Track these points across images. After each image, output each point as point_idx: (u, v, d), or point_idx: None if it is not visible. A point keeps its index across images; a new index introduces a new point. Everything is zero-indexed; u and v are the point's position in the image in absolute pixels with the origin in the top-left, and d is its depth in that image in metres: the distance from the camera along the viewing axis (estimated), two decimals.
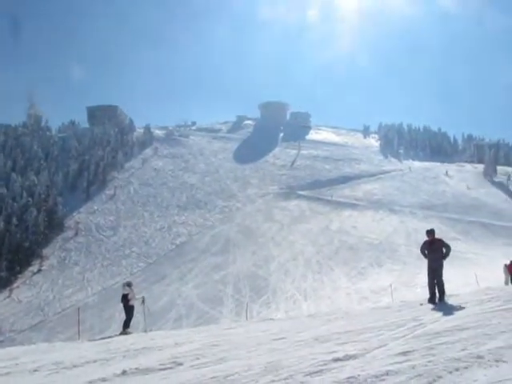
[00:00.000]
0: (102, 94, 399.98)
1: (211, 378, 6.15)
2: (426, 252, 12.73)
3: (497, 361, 6.20)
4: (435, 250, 12.49)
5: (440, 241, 12.86)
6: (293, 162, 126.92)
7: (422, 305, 11.76)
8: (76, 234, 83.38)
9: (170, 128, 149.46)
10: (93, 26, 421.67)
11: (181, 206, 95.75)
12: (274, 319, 17.57)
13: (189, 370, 6.81)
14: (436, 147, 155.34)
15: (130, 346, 9.27)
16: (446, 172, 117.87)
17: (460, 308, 10.23)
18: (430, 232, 13.00)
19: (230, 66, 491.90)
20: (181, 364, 7.14)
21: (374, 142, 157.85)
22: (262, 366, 6.47)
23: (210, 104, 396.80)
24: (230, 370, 6.44)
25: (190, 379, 6.15)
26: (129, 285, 16.40)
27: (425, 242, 12.97)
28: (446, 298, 12.14)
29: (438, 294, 12.25)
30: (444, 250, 12.49)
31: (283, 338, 8.36)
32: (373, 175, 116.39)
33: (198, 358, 7.39)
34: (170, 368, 6.96)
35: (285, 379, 5.87)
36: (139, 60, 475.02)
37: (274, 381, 5.83)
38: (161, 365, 7.11)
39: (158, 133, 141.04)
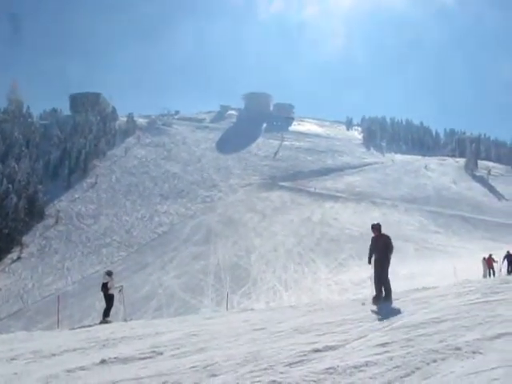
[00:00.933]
0: (85, 82, 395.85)
1: (191, 367, 6.14)
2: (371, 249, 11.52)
3: (474, 352, 6.27)
4: (379, 249, 11.27)
5: (384, 238, 11.47)
6: (275, 153, 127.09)
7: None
8: (56, 222, 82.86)
9: (153, 117, 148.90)
10: (77, 13, 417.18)
11: (163, 195, 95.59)
12: (255, 310, 17.61)
13: (168, 359, 6.80)
14: (418, 141, 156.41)
15: (109, 335, 9.24)
16: (426, 166, 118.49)
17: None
18: (375, 227, 11.62)
19: (215, 55, 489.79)
20: (160, 353, 7.13)
21: (356, 134, 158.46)
22: (242, 356, 6.48)
23: (193, 93, 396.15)
24: (210, 359, 6.44)
25: (169, 368, 6.14)
26: (109, 274, 16.32)
27: (371, 239, 11.63)
28: (391, 299, 10.98)
29: (383, 293, 10.98)
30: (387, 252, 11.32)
31: (263, 329, 8.37)
32: (355, 167, 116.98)
33: (178, 348, 7.38)
34: (150, 357, 6.95)
35: (264, 369, 5.88)
36: (123, 49, 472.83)
37: (253, 371, 5.84)
38: (140, 354, 7.08)
39: (141, 121, 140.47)
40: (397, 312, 9.16)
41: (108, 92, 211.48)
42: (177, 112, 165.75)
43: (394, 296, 11.12)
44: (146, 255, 68.72)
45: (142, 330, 9.38)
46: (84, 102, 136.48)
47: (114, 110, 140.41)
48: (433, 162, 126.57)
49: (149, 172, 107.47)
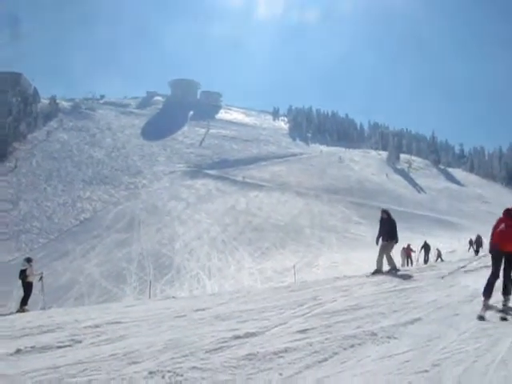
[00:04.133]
0: (5, 62, 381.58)
1: (110, 355, 6.07)
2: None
3: (389, 337, 6.51)
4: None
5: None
6: (201, 141, 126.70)
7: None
8: None
9: (77, 100, 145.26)
10: None
11: (86, 181, 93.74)
12: (177, 297, 17.56)
13: (88, 347, 6.69)
14: (343, 133, 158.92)
15: (26, 323, 8.98)
16: (340, 157, 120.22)
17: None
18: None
19: (143, 41, 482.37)
20: (80, 341, 6.99)
21: (283, 124, 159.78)
22: (163, 344, 6.46)
23: (121, 79, 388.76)
24: (130, 347, 6.39)
25: (88, 357, 6.04)
26: (28, 260, 15.87)
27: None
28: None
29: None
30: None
31: (184, 316, 8.35)
32: (280, 157, 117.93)
33: (98, 336, 7.27)
34: (69, 346, 6.80)
35: (185, 356, 5.89)
36: (49, 29, 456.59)
37: (173, 358, 5.84)
38: (59, 342, 6.93)
39: (64, 105, 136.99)
40: (317, 299, 9.34)
41: (30, 73, 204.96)
42: (102, 96, 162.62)
43: (315, 285, 11.35)
44: (67, 242, 67.22)
45: (60, 318, 9.18)
46: (3, 82, 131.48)
47: (35, 92, 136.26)
48: (357, 154, 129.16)
49: (72, 157, 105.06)
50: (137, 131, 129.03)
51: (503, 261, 7.78)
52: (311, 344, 6.28)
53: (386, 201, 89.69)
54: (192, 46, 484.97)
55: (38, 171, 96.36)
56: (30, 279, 15.24)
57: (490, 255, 8.21)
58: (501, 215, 8.07)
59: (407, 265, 29.52)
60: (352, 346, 6.24)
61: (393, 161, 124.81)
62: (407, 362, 5.46)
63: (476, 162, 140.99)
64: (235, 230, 67.88)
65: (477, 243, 36.34)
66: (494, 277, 7.86)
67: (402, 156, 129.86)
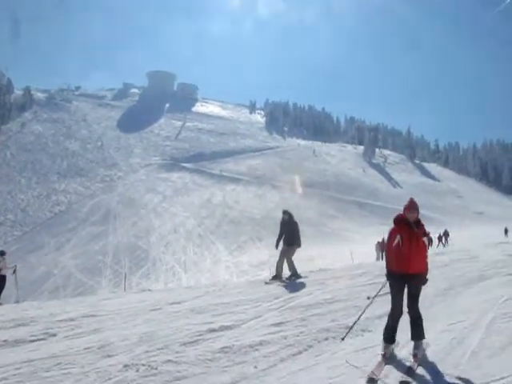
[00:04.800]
0: None
1: (85, 348, 6.06)
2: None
3: (363, 330, 6.59)
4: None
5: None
6: (178, 134, 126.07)
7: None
8: None
9: (52, 91, 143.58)
10: None
11: (61, 173, 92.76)
12: (152, 290, 17.50)
13: (62, 340, 6.65)
14: (319, 127, 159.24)
15: None
16: (313, 151, 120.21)
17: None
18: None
19: (120, 31, 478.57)
20: (54, 335, 6.95)
21: (259, 118, 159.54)
22: (138, 337, 6.46)
23: (97, 70, 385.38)
24: (105, 340, 6.38)
25: (62, 350, 6.02)
26: (1, 253, 15.68)
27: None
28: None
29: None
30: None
31: (160, 309, 8.34)
32: (257, 151, 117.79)
33: (72, 329, 7.23)
34: (43, 339, 6.76)
35: (160, 349, 5.90)
36: (22, 18, 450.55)
37: (148, 351, 5.84)
38: (32, 336, 6.87)
39: (39, 96, 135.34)
40: (293, 292, 9.38)
41: (3, 63, 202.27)
42: (77, 88, 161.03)
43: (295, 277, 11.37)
44: (42, 235, 66.58)
45: (34, 312, 9.09)
46: None
47: (9, 82, 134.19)
48: (333, 148, 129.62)
49: (46, 149, 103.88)
50: (113, 123, 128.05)
51: (405, 289, 5.55)
52: (286, 337, 6.33)
53: (362, 195, 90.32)
54: (170, 39, 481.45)
55: (12, 163, 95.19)
56: (3, 272, 15.05)
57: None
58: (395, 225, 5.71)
59: (382, 259, 29.71)
60: (326, 339, 6.30)
61: (369, 155, 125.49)
62: (380, 354, 5.51)
63: (451, 158, 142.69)
64: (211, 223, 67.77)
65: (440, 238, 37.35)
66: (395, 314, 5.60)
67: (378, 150, 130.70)
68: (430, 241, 6.04)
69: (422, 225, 5.62)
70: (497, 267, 11.41)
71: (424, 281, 5.65)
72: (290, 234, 11.41)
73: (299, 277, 11.35)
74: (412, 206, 5.61)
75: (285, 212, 11.80)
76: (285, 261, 11.39)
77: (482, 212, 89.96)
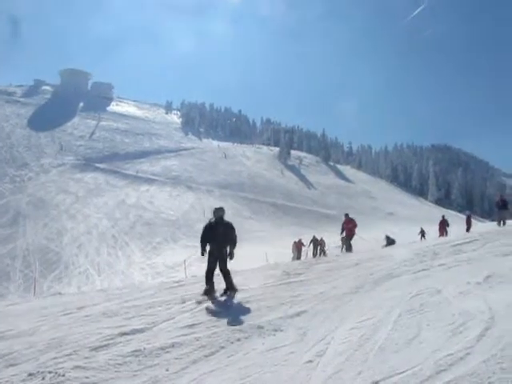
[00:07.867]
0: None
1: None
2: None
3: (275, 330, 6.65)
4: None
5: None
6: (92, 134, 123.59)
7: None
8: None
9: None
10: None
11: None
12: (63, 294, 17.08)
13: None
14: (235, 128, 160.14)
15: None
16: (224, 155, 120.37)
17: None
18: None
19: (31, 26, 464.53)
20: None
21: (175, 118, 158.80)
22: (45, 343, 6.27)
23: (7, 65, 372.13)
24: (9, 348, 6.15)
25: None
26: None
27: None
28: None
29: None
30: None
31: (70, 314, 8.14)
32: (172, 151, 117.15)
33: None
34: None
35: (68, 355, 5.75)
36: None
37: (56, 357, 5.68)
38: None
39: None
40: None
41: None
42: None
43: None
44: None
45: None
46: None
47: None
48: (249, 149, 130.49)
49: None
50: (23, 121, 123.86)
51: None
52: (198, 339, 6.31)
53: (277, 196, 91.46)
54: (84, 36, 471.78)
55: None
56: None
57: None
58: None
59: (298, 258, 30.19)
60: (239, 339, 6.32)
61: (284, 157, 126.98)
62: (292, 353, 5.59)
63: (363, 160, 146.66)
64: (126, 224, 66.76)
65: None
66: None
67: (293, 152, 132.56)
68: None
69: None
70: (406, 265, 11.77)
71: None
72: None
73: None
74: None
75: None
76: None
77: (392, 213, 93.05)
